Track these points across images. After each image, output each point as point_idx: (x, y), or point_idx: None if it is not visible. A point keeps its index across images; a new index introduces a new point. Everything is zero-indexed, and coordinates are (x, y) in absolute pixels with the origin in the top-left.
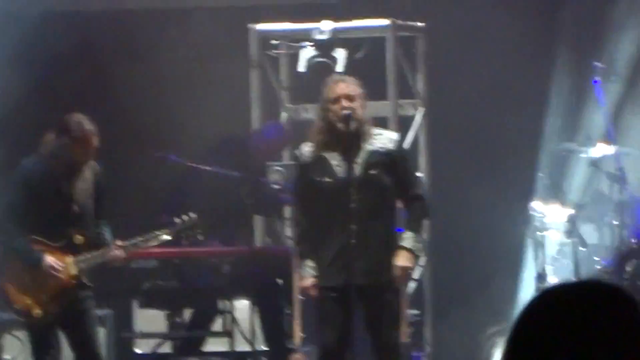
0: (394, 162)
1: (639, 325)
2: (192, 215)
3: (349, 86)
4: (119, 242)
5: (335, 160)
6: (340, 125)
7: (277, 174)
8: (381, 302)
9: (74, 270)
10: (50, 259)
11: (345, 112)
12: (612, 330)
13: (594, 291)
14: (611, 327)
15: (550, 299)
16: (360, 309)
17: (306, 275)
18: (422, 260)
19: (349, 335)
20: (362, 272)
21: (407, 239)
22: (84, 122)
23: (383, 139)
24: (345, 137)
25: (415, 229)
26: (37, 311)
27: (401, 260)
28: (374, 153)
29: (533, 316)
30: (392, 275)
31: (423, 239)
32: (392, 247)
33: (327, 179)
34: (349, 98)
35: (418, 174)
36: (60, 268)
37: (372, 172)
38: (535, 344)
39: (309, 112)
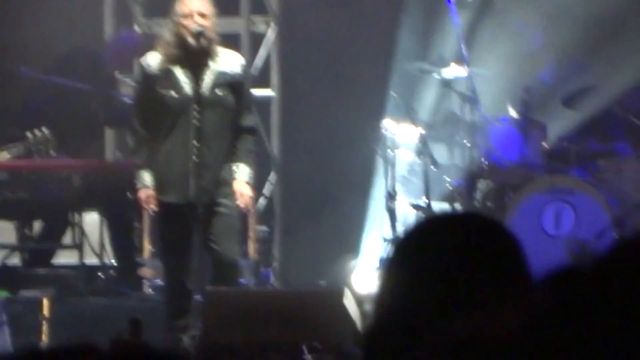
0: (239, 87)
1: (516, 257)
2: (45, 130)
3: (202, 3)
4: None
5: (182, 76)
6: (191, 41)
7: (128, 86)
8: (220, 218)
9: None
10: None
11: (197, 28)
12: (493, 260)
13: (477, 222)
14: (492, 257)
15: (435, 226)
16: (200, 225)
17: (142, 187)
18: (273, 178)
19: (189, 256)
20: (203, 189)
21: (243, 171)
22: None
23: (231, 60)
24: (195, 53)
25: (247, 161)
26: None
27: (244, 189)
28: (222, 74)
29: (416, 240)
30: (237, 202)
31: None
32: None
33: (173, 94)
34: (202, 15)
35: (270, 92)
36: None
37: (219, 92)
38: (416, 267)
39: (162, 27)
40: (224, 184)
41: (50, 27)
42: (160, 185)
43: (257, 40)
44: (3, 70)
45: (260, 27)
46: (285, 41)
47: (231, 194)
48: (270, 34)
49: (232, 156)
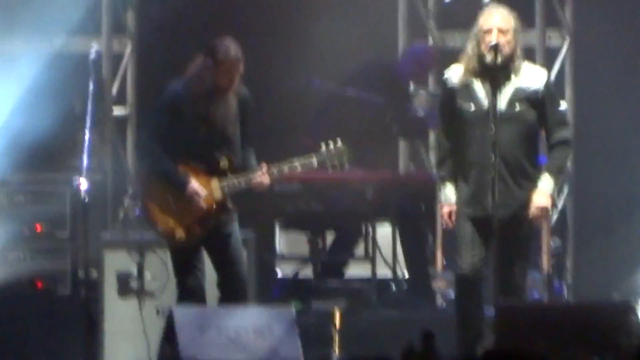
0: (542, 101)
1: None
2: (339, 143)
3: (503, 18)
4: (264, 167)
5: (481, 90)
6: (488, 57)
7: (422, 99)
8: (517, 235)
9: (218, 194)
10: (195, 184)
11: (493, 43)
12: None
13: None
14: None
15: None
16: (495, 240)
17: (445, 202)
18: (565, 190)
19: (484, 265)
20: (501, 205)
21: (546, 180)
22: (231, 47)
23: (534, 76)
24: (493, 68)
25: (555, 173)
26: (180, 234)
27: (540, 199)
28: (522, 89)
29: None
30: (530, 212)
31: (559, 185)
32: (532, 182)
33: (472, 107)
34: (501, 30)
35: (563, 104)
36: (204, 194)
37: (518, 106)
38: None
39: (456, 40)
40: (523, 200)
41: (343, 39)
42: (460, 198)
43: (551, 54)
44: (297, 82)
45: (554, 40)
46: (579, 55)
47: (530, 213)
48: (565, 47)
49: (530, 173)
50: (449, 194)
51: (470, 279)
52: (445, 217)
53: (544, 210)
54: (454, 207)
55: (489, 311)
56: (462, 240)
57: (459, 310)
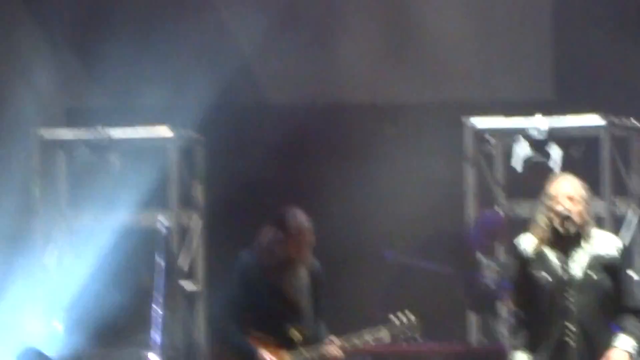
0: (617, 270)
1: None
2: (411, 316)
3: (571, 186)
4: (335, 340)
5: (555, 258)
6: (558, 225)
7: (491, 270)
8: None
9: None
10: (264, 354)
11: (563, 212)
12: None
13: None
14: None
15: None
16: None
17: None
18: None
19: None
20: None
21: (624, 340)
22: (300, 218)
23: (607, 243)
24: (565, 236)
25: (631, 334)
26: None
27: (618, 355)
28: (597, 257)
29: None
30: None
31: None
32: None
33: (546, 276)
34: (570, 198)
35: (634, 275)
36: None
37: (594, 275)
38: None
39: (524, 209)
40: None
41: (414, 209)
42: None
43: (618, 222)
44: (367, 255)
45: (622, 208)
46: None
47: None
48: (632, 216)
49: (606, 341)
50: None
51: None
52: None
53: None
54: None
55: None
56: None
57: None
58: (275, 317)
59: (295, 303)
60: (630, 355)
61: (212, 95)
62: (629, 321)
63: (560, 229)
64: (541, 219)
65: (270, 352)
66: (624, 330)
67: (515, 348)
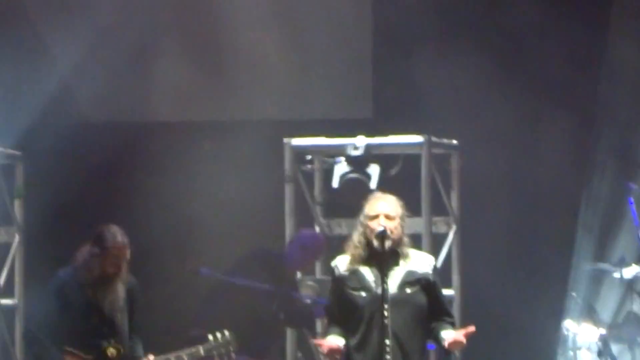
0: (430, 286)
1: None
2: (227, 333)
3: (389, 205)
4: (152, 358)
5: (371, 276)
6: (375, 243)
7: (309, 287)
8: None
9: None
10: None
11: (380, 230)
12: None
13: None
14: None
15: None
16: None
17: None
18: None
19: None
20: None
21: (449, 328)
22: (117, 234)
23: (421, 261)
24: (381, 254)
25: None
26: None
27: (458, 334)
28: (411, 273)
29: None
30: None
31: None
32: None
33: (362, 293)
34: (388, 217)
35: (450, 292)
36: None
37: (408, 290)
38: None
39: (342, 227)
40: None
41: (231, 228)
42: None
43: (437, 240)
44: (184, 271)
45: (440, 227)
46: (465, 241)
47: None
48: (451, 234)
49: (424, 354)
50: (336, 339)
51: None
52: (332, 351)
53: (461, 342)
54: (342, 348)
55: None
56: None
57: None
58: (91, 333)
59: (111, 319)
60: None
61: (31, 113)
62: (446, 324)
63: (377, 246)
64: (357, 237)
65: None
66: (443, 328)
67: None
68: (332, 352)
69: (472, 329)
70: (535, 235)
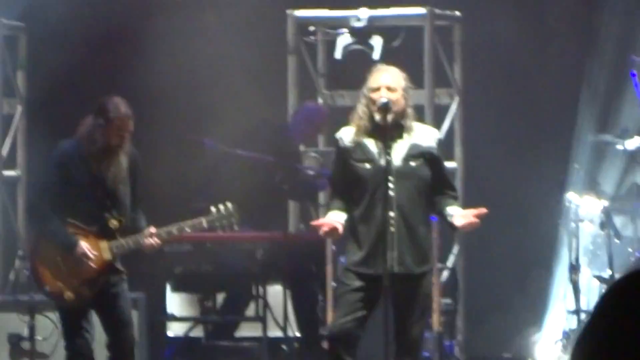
0: (434, 160)
1: None
2: (229, 205)
3: (391, 77)
4: (154, 230)
5: (375, 148)
6: (377, 115)
7: (312, 159)
8: (413, 292)
9: (107, 256)
10: (84, 246)
11: (382, 101)
12: None
13: None
14: None
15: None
16: (390, 297)
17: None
18: (455, 249)
19: (358, 326)
20: (399, 261)
21: (454, 203)
22: (121, 105)
23: (426, 134)
24: (384, 126)
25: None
26: (69, 295)
27: (467, 212)
28: (416, 146)
29: (617, 299)
30: (462, 219)
31: None
32: (429, 238)
33: (366, 165)
34: (389, 89)
35: (452, 164)
36: (93, 256)
37: (412, 163)
38: (617, 331)
39: (345, 99)
40: (421, 256)
41: (234, 99)
42: (356, 256)
43: (440, 112)
44: (188, 142)
45: (443, 98)
46: (467, 113)
47: (425, 267)
48: (454, 106)
49: (428, 227)
50: (337, 215)
51: (337, 339)
52: (331, 227)
53: (474, 224)
54: (342, 225)
55: None
56: (341, 301)
57: None
58: (93, 206)
59: (113, 192)
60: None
61: None
62: (450, 199)
63: (380, 118)
64: (361, 109)
65: (88, 241)
66: (449, 203)
67: (328, 209)
68: (332, 230)
69: (484, 210)
70: (537, 107)
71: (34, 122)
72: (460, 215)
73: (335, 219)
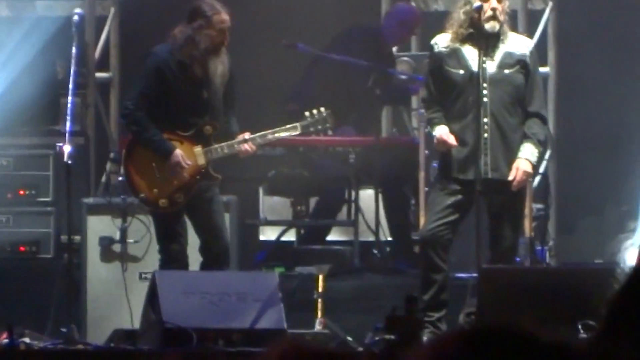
0: (527, 69)
1: None
2: (323, 110)
3: None
4: (248, 135)
5: (470, 54)
6: (484, 23)
7: (405, 63)
8: (507, 198)
9: (202, 161)
10: (179, 154)
11: (491, 12)
12: None
13: None
14: None
15: None
16: (484, 203)
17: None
18: (548, 154)
19: (449, 231)
20: (492, 167)
21: (527, 149)
22: (215, 3)
23: (520, 43)
24: (484, 34)
25: (534, 142)
26: (163, 201)
27: (521, 164)
28: (510, 54)
29: None
30: (513, 176)
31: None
32: (521, 144)
33: (460, 71)
34: None
35: (545, 69)
36: (186, 165)
37: (506, 71)
38: None
39: (439, 3)
40: (513, 162)
41: (326, 3)
42: (450, 162)
43: (534, 17)
44: (281, 47)
45: (537, 4)
46: (562, 18)
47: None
48: (547, 11)
49: (521, 135)
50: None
51: (428, 243)
52: (444, 137)
53: (527, 175)
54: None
55: (473, 275)
56: (434, 205)
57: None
58: (189, 111)
59: (209, 98)
60: (532, 163)
61: None
62: (533, 127)
63: (486, 26)
64: (460, 16)
65: (183, 147)
66: (527, 137)
67: (431, 120)
68: (445, 143)
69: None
70: (635, 8)
71: (127, 24)
72: (515, 167)
73: (447, 132)
